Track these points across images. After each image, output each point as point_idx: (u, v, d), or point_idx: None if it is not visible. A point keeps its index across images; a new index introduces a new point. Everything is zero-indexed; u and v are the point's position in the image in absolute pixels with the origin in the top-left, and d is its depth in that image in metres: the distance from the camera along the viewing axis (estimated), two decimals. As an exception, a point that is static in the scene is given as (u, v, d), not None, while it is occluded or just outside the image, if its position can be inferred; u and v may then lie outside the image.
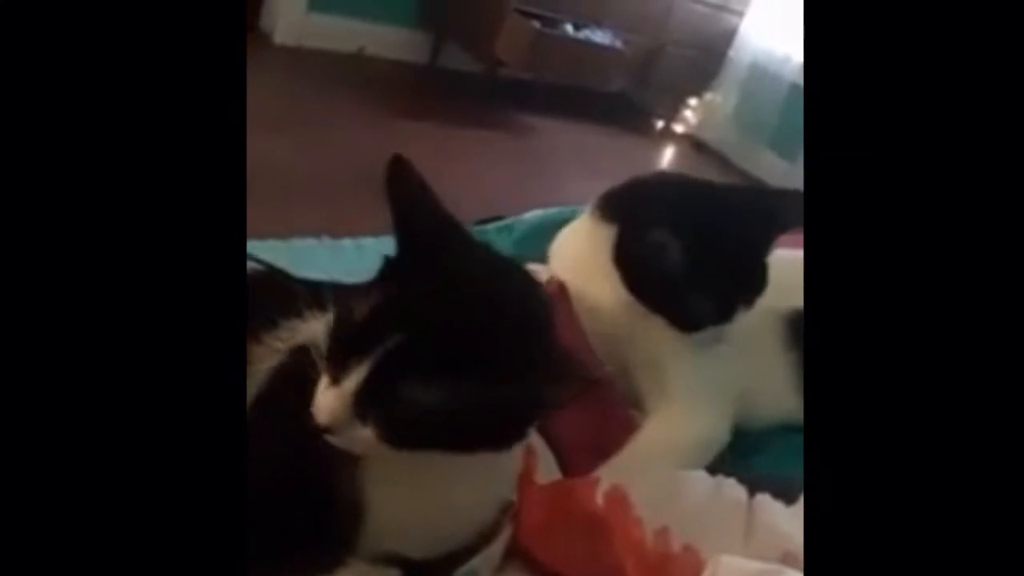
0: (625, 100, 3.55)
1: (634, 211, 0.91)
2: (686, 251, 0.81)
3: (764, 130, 3.39)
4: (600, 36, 2.99)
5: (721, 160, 3.45)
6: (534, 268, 1.00)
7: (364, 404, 0.59)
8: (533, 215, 1.23)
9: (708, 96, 3.57)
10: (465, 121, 2.85)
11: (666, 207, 0.88)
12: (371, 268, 1.58)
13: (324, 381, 0.61)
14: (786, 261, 0.98)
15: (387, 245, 1.73)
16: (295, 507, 0.64)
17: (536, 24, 2.78)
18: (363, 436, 0.60)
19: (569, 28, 2.92)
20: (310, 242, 1.53)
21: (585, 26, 2.97)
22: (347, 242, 1.59)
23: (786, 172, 3.23)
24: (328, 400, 0.60)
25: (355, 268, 1.50)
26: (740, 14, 3.46)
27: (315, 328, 0.69)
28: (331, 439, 0.60)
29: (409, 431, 0.60)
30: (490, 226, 1.23)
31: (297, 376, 0.64)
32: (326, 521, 0.65)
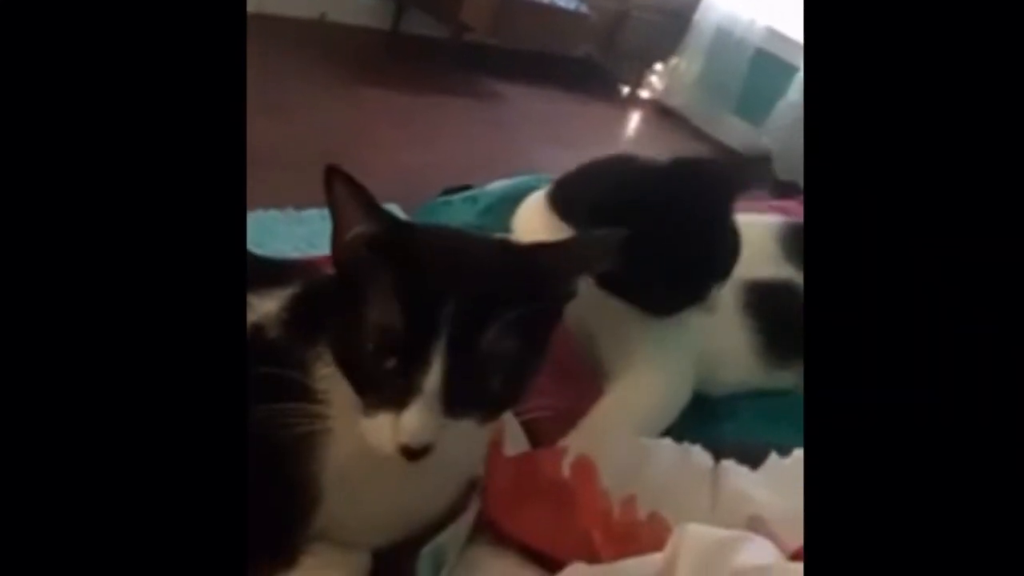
0: (591, 66, 3.54)
1: (589, 211, 0.89)
2: (646, 244, 0.80)
3: (729, 95, 3.39)
4: (565, 1, 2.96)
5: (686, 125, 3.46)
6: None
7: (455, 394, 0.55)
8: (498, 185, 1.22)
9: (673, 61, 3.56)
10: (430, 88, 2.82)
11: (620, 202, 0.86)
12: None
13: (383, 414, 0.56)
14: (752, 226, 0.98)
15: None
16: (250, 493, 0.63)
17: (501, -12, 2.75)
18: (461, 431, 0.57)
19: (535, -8, 2.89)
20: (273, 213, 1.51)
21: (551, -11, 2.94)
22: (312, 212, 1.57)
23: (751, 136, 3.25)
24: (416, 420, 0.55)
25: (320, 239, 1.49)
26: (705, -22, 3.45)
27: (267, 306, 0.67)
28: (415, 459, 0.56)
29: (503, 391, 0.59)
30: (455, 197, 1.22)
31: (257, 353, 0.63)
32: (283, 509, 0.64)
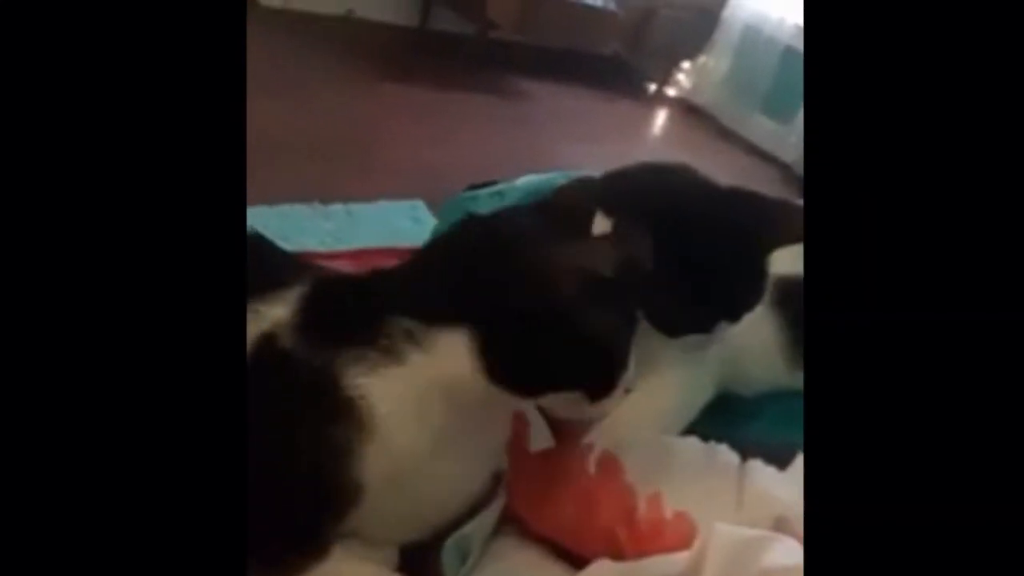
0: (618, 63, 3.52)
1: (635, 211, 0.88)
2: (678, 262, 0.79)
3: (757, 93, 3.36)
4: (593, -2, 2.95)
5: (713, 123, 3.43)
6: None
7: None
8: (525, 181, 1.22)
9: (701, 59, 3.53)
10: (456, 84, 2.82)
11: (670, 212, 0.84)
12: (362, 233, 1.57)
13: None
14: None
15: (378, 211, 1.72)
16: (287, 492, 0.63)
17: (528, -15, 2.74)
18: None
19: (562, -11, 2.88)
20: (300, 208, 1.52)
21: (578, -14, 2.93)
22: (338, 207, 1.58)
23: (779, 135, 3.22)
24: None
25: (346, 234, 1.50)
26: (734, -26, 3.42)
27: (277, 313, 0.66)
28: None
29: None
30: (482, 192, 1.21)
31: (273, 364, 0.63)
32: (320, 506, 0.64)
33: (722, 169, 3.40)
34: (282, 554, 0.63)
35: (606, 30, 3.03)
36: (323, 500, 0.63)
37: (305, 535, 0.64)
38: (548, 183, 1.15)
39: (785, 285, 0.97)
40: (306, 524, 0.64)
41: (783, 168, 3.13)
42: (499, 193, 1.18)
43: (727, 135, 3.37)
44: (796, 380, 0.99)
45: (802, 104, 3.14)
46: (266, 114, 2.00)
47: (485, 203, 1.15)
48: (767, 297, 0.96)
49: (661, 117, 3.50)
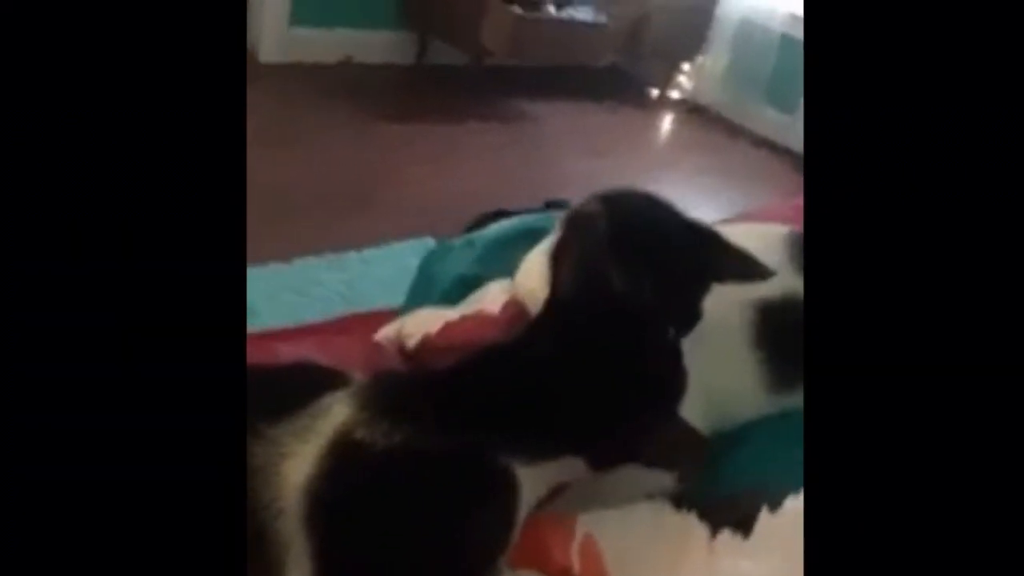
0: (617, 73, 3.54)
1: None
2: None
3: (759, 85, 3.36)
4: (583, 13, 2.97)
5: (720, 120, 3.43)
6: (496, 286, 0.98)
7: None
8: (495, 228, 1.21)
9: (700, 59, 3.54)
10: (457, 116, 2.86)
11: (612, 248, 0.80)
12: (378, 280, 1.57)
13: None
14: (760, 238, 0.95)
15: (391, 255, 1.73)
16: None
17: (517, 9, 2.77)
18: None
19: (551, 8, 2.91)
20: (312, 261, 1.55)
21: (567, 4, 2.96)
22: (352, 255, 1.61)
23: (786, 124, 3.22)
24: None
25: (361, 283, 1.52)
26: (723, -28, 3.42)
27: (336, 415, 0.68)
28: None
29: None
30: (456, 243, 1.20)
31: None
32: None
33: (735, 168, 3.35)
34: None
35: (599, 43, 3.05)
36: None
37: None
38: (519, 228, 1.15)
39: (766, 308, 0.94)
40: None
41: (795, 157, 3.12)
42: (470, 242, 1.18)
43: (735, 131, 3.37)
44: (782, 405, 0.96)
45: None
46: (275, 168, 2.05)
47: (459, 254, 1.15)
48: (748, 329, 0.93)
49: (667, 121, 3.51)
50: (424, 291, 1.12)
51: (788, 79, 3.21)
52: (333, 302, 1.20)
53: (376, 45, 3.04)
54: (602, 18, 3.01)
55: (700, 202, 2.68)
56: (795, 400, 0.95)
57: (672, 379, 0.76)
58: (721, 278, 0.86)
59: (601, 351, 0.72)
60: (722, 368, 0.92)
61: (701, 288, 0.85)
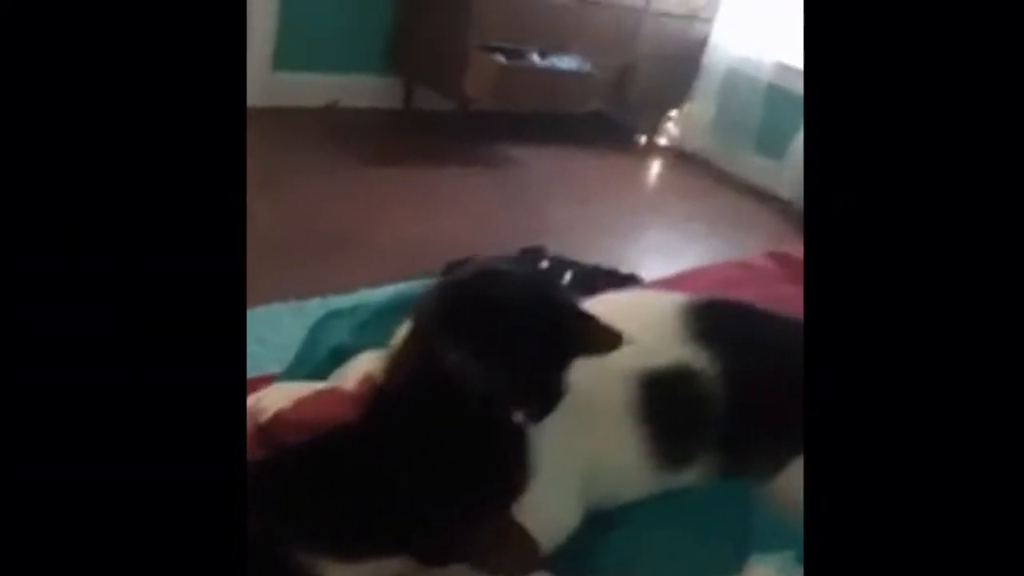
0: (604, 119, 3.55)
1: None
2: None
3: (747, 133, 3.37)
4: (567, 62, 2.99)
5: (709, 168, 3.44)
6: (366, 358, 0.91)
7: None
8: (376, 296, 1.20)
9: (687, 106, 3.56)
10: (444, 160, 2.86)
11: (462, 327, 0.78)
12: (340, 327, 1.53)
13: None
14: (648, 308, 0.93)
15: (357, 301, 1.70)
16: None
17: (501, 58, 2.79)
18: None
19: (536, 57, 2.92)
20: (275, 307, 1.52)
21: (551, 53, 2.97)
22: (315, 302, 1.58)
23: (773, 171, 3.22)
24: None
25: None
26: (709, 21, 3.45)
27: None
28: None
29: None
30: (344, 307, 1.20)
31: None
32: None
33: (721, 215, 3.36)
34: None
35: (584, 91, 3.06)
36: None
37: None
38: (401, 297, 1.14)
39: (653, 381, 0.90)
40: None
41: (783, 204, 3.12)
42: (351, 310, 1.18)
43: (722, 178, 3.37)
44: (670, 483, 0.92)
45: (791, 139, 3.14)
46: (259, 215, 2.02)
47: (343, 322, 1.14)
48: (632, 404, 0.89)
49: (654, 167, 3.51)
50: (307, 358, 1.08)
51: (776, 128, 3.23)
52: (290, 351, 1.16)
53: (363, 89, 3.05)
54: (587, 67, 3.03)
55: (685, 248, 2.67)
56: (683, 478, 0.91)
57: (507, 470, 0.70)
58: (583, 352, 0.82)
59: (426, 438, 0.67)
60: (603, 444, 0.87)
61: (556, 365, 0.81)
